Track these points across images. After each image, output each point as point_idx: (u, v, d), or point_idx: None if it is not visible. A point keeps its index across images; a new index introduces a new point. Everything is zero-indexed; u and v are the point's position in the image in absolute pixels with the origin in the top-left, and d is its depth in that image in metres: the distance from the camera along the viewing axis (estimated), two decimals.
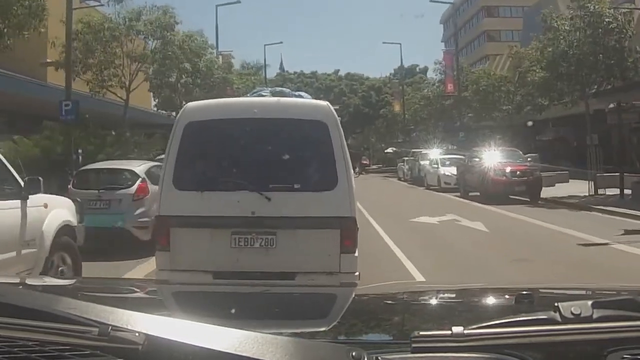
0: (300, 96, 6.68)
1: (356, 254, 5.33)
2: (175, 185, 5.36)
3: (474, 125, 37.69)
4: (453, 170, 25.20)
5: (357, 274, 5.26)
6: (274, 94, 6.35)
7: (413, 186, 31.26)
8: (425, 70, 64.30)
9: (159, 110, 31.10)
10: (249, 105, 5.76)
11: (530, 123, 31.59)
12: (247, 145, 5.59)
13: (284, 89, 7.36)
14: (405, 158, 38.06)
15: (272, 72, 62.25)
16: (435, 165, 27.76)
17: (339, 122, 5.49)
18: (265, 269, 5.16)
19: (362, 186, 26.06)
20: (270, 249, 5.28)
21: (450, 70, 38.94)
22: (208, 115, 5.68)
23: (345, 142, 5.48)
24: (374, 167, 66.60)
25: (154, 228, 5.64)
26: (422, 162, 31.13)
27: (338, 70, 71.76)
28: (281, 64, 70.96)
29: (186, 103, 21.95)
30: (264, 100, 5.94)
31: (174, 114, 29.07)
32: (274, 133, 5.56)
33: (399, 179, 38.65)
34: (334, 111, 5.57)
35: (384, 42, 63.41)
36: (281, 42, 64.90)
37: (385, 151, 75.93)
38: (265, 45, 54.43)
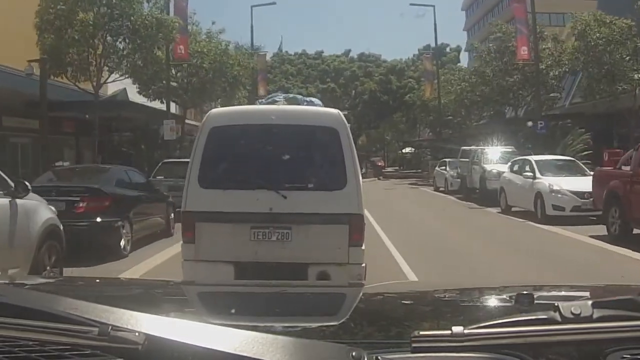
0: (312, 102, 7.32)
1: (363, 247, 5.89)
2: (200, 184, 5.94)
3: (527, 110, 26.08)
4: (577, 184, 14.25)
5: (363, 265, 5.81)
6: (287, 100, 7.08)
7: (474, 206, 19.33)
8: (458, 50, 53.85)
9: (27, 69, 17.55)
10: (267, 112, 6.40)
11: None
12: (265, 148, 6.19)
13: (297, 95, 8.08)
14: (449, 160, 27.46)
15: (268, 54, 48.98)
16: (530, 174, 15.66)
17: (348, 128, 6.11)
18: (281, 260, 5.75)
19: (390, 204, 18.66)
20: (286, 242, 5.86)
21: (524, 25, 24.99)
22: (230, 120, 6.30)
23: (354, 146, 6.08)
24: (390, 169, 57.30)
25: (181, 222, 6.16)
26: (489, 168, 19.83)
27: (349, 51, 56.70)
28: (280, 44, 59.70)
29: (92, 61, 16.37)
30: (281, 107, 6.60)
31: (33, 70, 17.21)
32: (290, 138, 6.16)
33: (437, 189, 27.78)
34: (344, 118, 6.16)
35: (411, 4, 47.03)
36: (274, 3, 47.26)
37: (404, 151, 64.68)
38: (252, 6, 39.50)
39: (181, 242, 6.14)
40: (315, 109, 6.80)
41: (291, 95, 7.89)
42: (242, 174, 6.18)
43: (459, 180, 24.22)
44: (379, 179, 41.68)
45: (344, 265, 5.76)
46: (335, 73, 52.95)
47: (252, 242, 5.85)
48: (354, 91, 53.12)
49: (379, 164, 48.33)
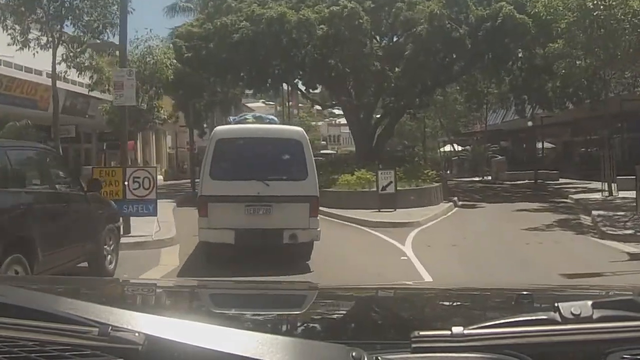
0: (273, 120, 11.00)
1: (318, 218, 8.98)
2: (211, 177, 8.84)
3: None
4: None
5: (319, 229, 8.86)
6: (255, 118, 10.67)
7: None
8: None
9: None
10: (255, 130, 9.51)
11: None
12: (255, 153, 9.11)
13: (262, 115, 12.29)
14: None
15: None
16: None
17: (308, 139, 9.32)
18: (265, 226, 8.66)
19: None
20: (268, 215, 8.73)
21: None
22: (231, 135, 9.30)
23: (311, 151, 9.25)
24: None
25: (198, 203, 9.07)
26: None
27: None
28: None
29: None
30: (264, 126, 9.82)
31: None
32: (271, 146, 9.14)
33: None
34: (305, 134, 9.41)
35: None
36: None
37: (457, 148, 42.91)
38: None
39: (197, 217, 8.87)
40: (287, 127, 11.02)
41: (257, 115, 12.01)
42: (239, 170, 8.98)
43: None
44: (455, 203, 18.69)
45: (307, 229, 8.69)
46: None
47: (246, 215, 8.67)
48: (388, 37, 25.36)
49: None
